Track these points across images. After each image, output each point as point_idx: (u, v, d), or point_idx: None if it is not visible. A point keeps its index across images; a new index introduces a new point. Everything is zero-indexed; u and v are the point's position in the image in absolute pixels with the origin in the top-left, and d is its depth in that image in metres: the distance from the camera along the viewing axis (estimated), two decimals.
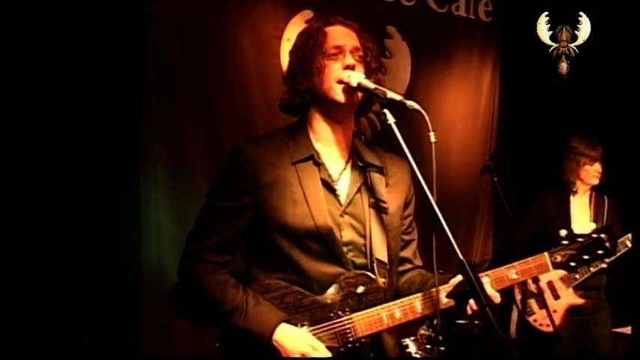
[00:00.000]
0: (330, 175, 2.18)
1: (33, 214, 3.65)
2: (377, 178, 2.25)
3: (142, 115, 4.10)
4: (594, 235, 2.20)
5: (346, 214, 2.17)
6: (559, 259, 2.19)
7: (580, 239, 2.20)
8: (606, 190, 4.49)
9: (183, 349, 4.04)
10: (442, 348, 3.87)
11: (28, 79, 3.65)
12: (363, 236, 2.19)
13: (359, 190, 2.21)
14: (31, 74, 3.66)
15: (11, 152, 3.60)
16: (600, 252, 2.19)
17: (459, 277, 1.94)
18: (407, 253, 2.34)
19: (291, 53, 2.25)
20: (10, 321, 3.49)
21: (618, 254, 4.09)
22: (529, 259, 2.21)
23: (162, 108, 4.17)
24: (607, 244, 2.18)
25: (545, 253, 2.22)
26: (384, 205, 2.22)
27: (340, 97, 2.12)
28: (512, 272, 2.19)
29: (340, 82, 2.12)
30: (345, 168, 2.22)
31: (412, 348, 3.66)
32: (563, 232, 2.23)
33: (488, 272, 2.15)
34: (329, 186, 2.17)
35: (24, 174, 3.63)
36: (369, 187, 2.23)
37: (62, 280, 3.68)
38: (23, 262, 3.58)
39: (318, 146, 2.20)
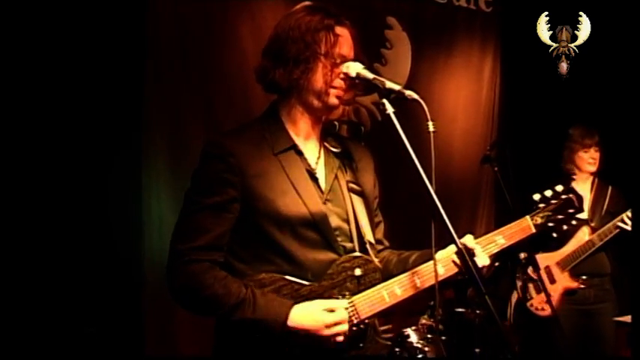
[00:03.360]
0: (309, 164, 2.19)
1: (35, 208, 3.66)
2: (348, 163, 2.30)
3: (144, 109, 4.11)
4: (563, 197, 2.38)
5: (328, 200, 2.18)
6: (539, 220, 2.36)
7: (553, 201, 2.38)
8: (612, 179, 4.46)
9: (186, 341, 4.06)
10: (443, 337, 3.91)
11: (30, 75, 3.66)
12: (347, 221, 2.20)
13: (335, 177, 2.23)
14: (34, 70, 3.67)
15: (15, 147, 3.62)
16: (571, 210, 2.38)
17: (451, 247, 1.99)
18: (378, 234, 2.38)
19: (286, 32, 2.15)
20: (12, 315, 3.51)
21: (615, 232, 4.12)
22: (513, 224, 2.34)
23: (163, 101, 4.18)
24: (575, 203, 2.38)
25: (527, 217, 2.36)
26: (361, 188, 2.27)
27: (333, 101, 2.16)
28: (499, 237, 2.29)
29: (334, 87, 2.14)
30: (319, 156, 2.24)
31: (413, 338, 3.66)
32: (536, 197, 2.40)
33: (478, 240, 2.21)
34: (311, 174, 2.18)
35: (27, 168, 3.65)
36: (344, 173, 2.27)
37: (64, 272, 3.69)
38: (25, 255, 3.60)
39: (295, 137, 2.21)
